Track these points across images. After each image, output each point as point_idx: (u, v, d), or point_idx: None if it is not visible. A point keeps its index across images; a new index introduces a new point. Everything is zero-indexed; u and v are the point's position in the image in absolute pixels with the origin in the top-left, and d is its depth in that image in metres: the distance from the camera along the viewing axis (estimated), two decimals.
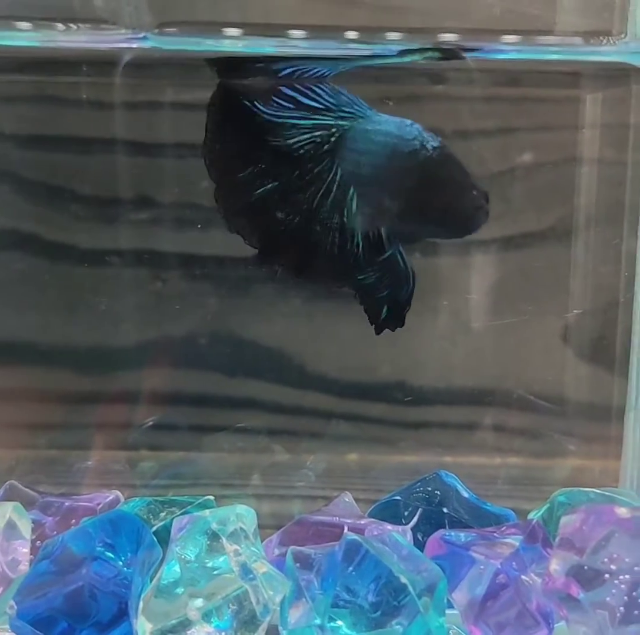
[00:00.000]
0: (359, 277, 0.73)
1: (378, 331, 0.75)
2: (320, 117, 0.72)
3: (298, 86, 0.71)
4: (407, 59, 0.73)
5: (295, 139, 0.72)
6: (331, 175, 0.72)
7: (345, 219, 0.72)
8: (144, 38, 0.67)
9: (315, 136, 0.72)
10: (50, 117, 0.84)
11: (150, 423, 0.87)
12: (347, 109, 0.72)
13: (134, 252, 0.87)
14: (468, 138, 0.85)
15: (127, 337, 0.88)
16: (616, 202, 0.82)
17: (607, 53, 0.70)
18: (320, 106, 0.72)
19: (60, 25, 0.71)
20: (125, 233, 0.87)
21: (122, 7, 0.71)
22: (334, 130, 0.72)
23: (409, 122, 0.71)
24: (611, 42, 0.68)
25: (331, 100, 0.72)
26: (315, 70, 0.72)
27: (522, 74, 0.81)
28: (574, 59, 0.72)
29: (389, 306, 0.74)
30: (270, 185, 0.73)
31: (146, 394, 0.89)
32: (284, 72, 0.72)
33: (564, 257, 0.86)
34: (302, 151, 0.73)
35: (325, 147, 0.72)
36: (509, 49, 0.72)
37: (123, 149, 0.85)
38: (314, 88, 0.72)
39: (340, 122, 0.72)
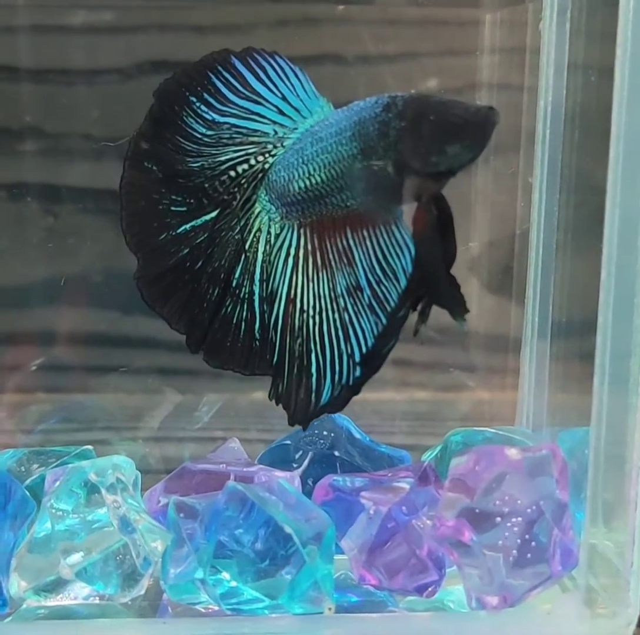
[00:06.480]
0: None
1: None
2: (261, 116, 0.67)
3: (250, 62, 0.67)
4: None
5: (228, 157, 0.68)
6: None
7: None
8: None
9: (249, 154, 0.68)
10: None
11: (34, 367, 0.84)
12: (293, 103, 0.67)
13: (23, 185, 0.83)
14: (370, 63, 0.82)
15: (18, 275, 0.84)
16: (514, 129, 0.79)
17: None
18: (267, 94, 0.67)
19: None
20: (12, 165, 0.83)
21: None
22: (270, 146, 0.67)
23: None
24: None
25: (281, 84, 0.67)
26: None
27: None
28: None
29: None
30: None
31: (38, 334, 0.85)
32: None
33: (467, 186, 0.84)
34: (232, 173, 0.68)
35: (259, 176, 0.68)
36: None
37: (8, 76, 0.81)
38: (266, 66, 0.67)
39: (279, 130, 0.68)
